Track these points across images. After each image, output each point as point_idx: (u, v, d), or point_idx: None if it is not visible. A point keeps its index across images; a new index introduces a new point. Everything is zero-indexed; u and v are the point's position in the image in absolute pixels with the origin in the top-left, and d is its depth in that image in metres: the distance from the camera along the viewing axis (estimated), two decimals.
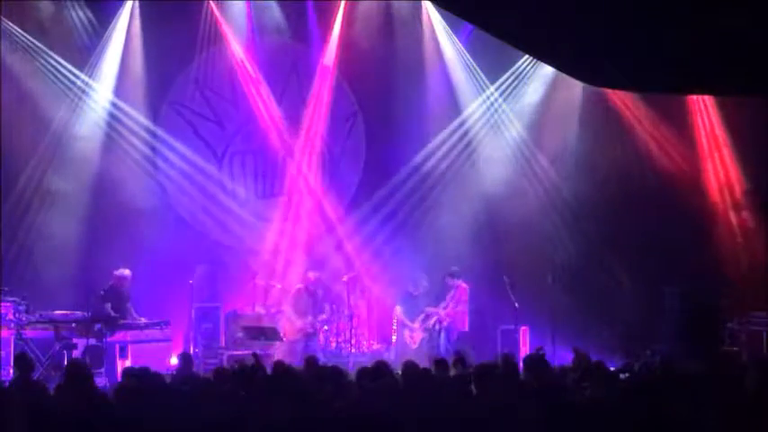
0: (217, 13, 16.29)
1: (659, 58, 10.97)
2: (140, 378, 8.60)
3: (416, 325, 14.90)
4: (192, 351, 14.48)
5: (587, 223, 16.35)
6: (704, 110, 16.25)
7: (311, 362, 10.05)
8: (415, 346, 14.73)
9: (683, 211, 15.98)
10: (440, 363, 10.05)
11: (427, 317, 14.90)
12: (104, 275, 14.45)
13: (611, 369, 9.82)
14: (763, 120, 15.01)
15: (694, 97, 16.16)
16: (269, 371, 9.45)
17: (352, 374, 9.70)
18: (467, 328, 15.11)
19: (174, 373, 10.92)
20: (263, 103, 16.64)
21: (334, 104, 16.86)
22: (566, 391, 8.33)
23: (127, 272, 14.34)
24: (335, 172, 17.00)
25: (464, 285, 15.02)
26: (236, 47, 16.40)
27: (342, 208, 16.94)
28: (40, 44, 15.44)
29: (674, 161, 16.32)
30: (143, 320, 14.20)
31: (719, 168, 16.14)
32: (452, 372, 9.63)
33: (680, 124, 16.33)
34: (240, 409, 7.60)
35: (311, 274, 14.89)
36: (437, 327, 14.83)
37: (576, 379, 9.01)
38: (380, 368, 8.91)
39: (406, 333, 14.97)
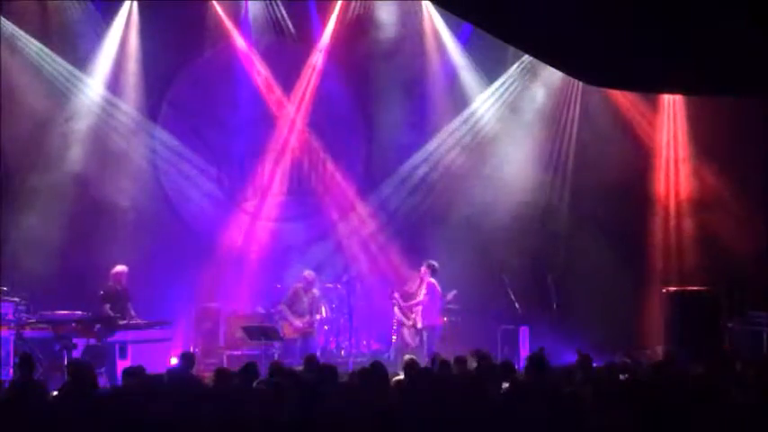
0: (218, 11, 16.29)
1: (659, 57, 10.98)
2: (140, 378, 8.60)
3: (412, 323, 14.85)
4: (191, 351, 14.46)
5: (587, 223, 16.35)
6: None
7: (311, 361, 10.01)
8: (415, 345, 14.69)
9: (683, 211, 16.00)
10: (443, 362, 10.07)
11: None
12: (104, 275, 14.44)
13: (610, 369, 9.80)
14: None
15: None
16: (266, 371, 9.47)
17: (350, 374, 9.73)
18: (437, 322, 14.70)
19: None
20: (265, 102, 16.67)
21: (335, 104, 16.89)
22: (566, 392, 8.33)
23: (122, 268, 14.33)
24: (335, 172, 17.01)
25: (429, 281, 14.72)
26: (239, 46, 16.41)
27: (342, 207, 16.96)
28: (38, 41, 15.42)
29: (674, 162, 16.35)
30: (138, 320, 14.22)
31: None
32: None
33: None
34: (239, 409, 7.60)
35: (308, 274, 14.85)
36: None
37: (577, 379, 9.02)
38: (377, 369, 8.91)
39: (405, 331, 14.94)
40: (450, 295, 15.31)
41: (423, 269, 14.77)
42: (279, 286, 15.79)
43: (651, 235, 15.88)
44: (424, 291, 14.64)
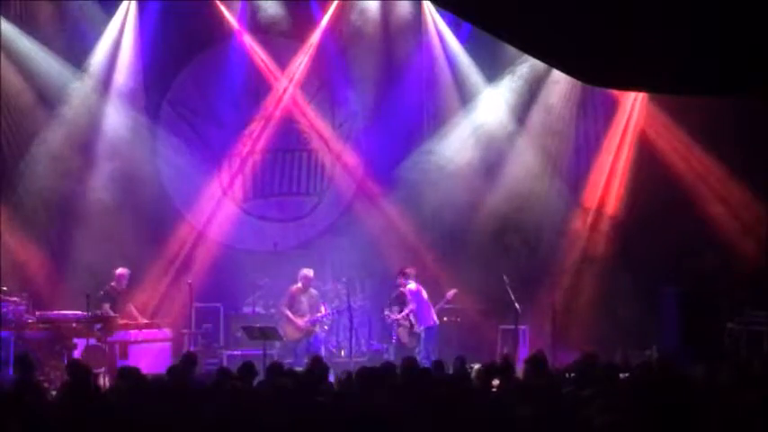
0: (220, 10, 16.26)
1: (660, 57, 10.96)
2: (138, 378, 8.59)
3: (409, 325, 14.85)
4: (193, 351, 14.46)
5: (587, 224, 16.37)
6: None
7: (316, 361, 9.96)
8: (412, 345, 14.70)
9: (684, 210, 15.98)
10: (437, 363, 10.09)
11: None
12: (104, 275, 14.45)
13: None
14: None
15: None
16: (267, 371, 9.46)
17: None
18: (431, 323, 14.71)
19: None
20: (265, 100, 16.68)
21: (334, 105, 16.90)
22: (565, 392, 8.33)
23: (124, 270, 14.35)
24: (334, 172, 17.01)
25: (410, 288, 14.75)
26: (239, 45, 16.40)
27: (341, 207, 16.96)
28: (37, 40, 15.37)
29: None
30: (143, 320, 14.24)
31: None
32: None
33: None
34: (240, 409, 7.60)
35: (306, 272, 14.81)
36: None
37: (577, 379, 9.02)
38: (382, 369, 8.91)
39: (402, 332, 14.94)
40: (449, 294, 15.31)
41: (399, 280, 14.84)
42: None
43: (650, 234, 15.83)
44: (408, 298, 14.68)
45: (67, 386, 8.35)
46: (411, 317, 14.73)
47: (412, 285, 14.76)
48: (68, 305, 14.11)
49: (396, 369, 9.12)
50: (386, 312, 15.10)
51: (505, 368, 9.17)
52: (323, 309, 14.99)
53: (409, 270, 14.95)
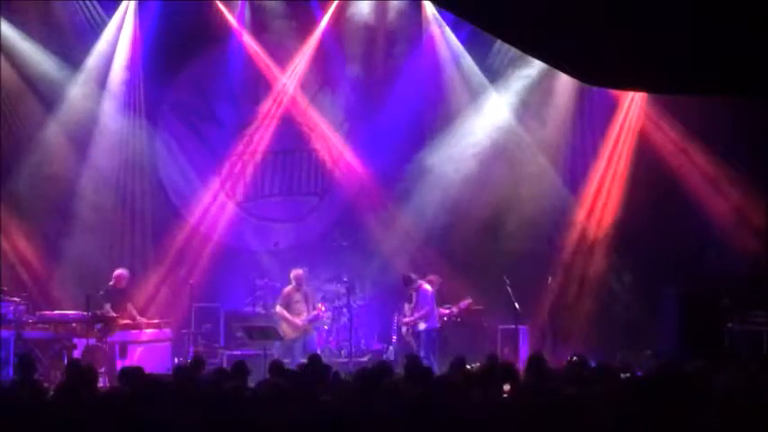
0: (220, 10, 16.26)
1: (660, 57, 10.97)
2: (138, 378, 8.58)
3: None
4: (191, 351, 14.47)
5: (589, 222, 16.38)
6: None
7: (314, 360, 9.96)
8: (414, 345, 14.68)
9: (683, 210, 15.99)
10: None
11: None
12: (104, 276, 14.45)
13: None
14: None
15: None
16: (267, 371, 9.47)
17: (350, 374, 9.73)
18: (436, 325, 14.60)
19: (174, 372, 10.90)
20: (265, 100, 16.68)
21: (335, 104, 16.90)
22: (565, 393, 8.31)
23: (123, 271, 14.34)
24: (334, 172, 17.01)
25: (425, 288, 14.68)
26: (239, 45, 16.40)
27: (341, 207, 16.96)
28: (36, 40, 15.36)
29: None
30: (143, 320, 14.25)
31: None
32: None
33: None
34: (239, 409, 7.59)
35: (296, 272, 14.70)
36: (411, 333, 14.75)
37: (575, 379, 9.01)
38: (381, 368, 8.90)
39: (405, 331, 14.91)
40: (463, 304, 15.27)
41: (414, 282, 14.75)
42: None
43: (650, 234, 15.84)
44: (419, 301, 14.60)
45: (65, 386, 8.34)
46: (420, 319, 14.61)
47: (427, 287, 14.69)
48: (68, 305, 14.12)
49: (391, 369, 9.08)
50: (396, 315, 15.04)
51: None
52: (322, 307, 15.01)
53: (410, 275, 14.86)
